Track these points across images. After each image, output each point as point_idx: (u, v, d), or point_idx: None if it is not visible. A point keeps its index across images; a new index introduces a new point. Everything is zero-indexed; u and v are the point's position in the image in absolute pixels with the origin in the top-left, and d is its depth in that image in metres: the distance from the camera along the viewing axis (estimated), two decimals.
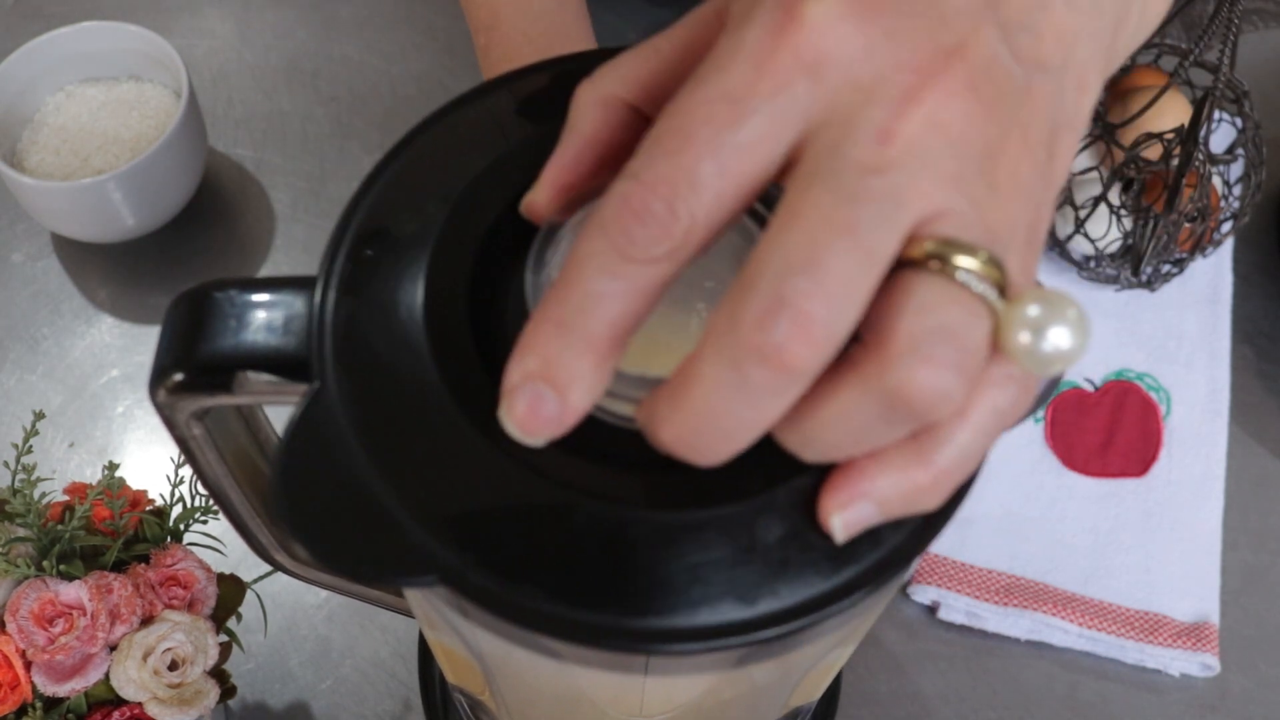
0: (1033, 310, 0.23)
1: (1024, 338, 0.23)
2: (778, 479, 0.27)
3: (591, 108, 0.27)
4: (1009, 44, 0.24)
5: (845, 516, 0.26)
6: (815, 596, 0.26)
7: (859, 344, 0.23)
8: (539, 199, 0.28)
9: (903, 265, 0.23)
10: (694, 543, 0.26)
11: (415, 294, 0.29)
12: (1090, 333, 0.23)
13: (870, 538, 0.27)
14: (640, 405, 0.25)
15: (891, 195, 0.22)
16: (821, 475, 0.26)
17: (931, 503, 0.26)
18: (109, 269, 0.79)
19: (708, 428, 0.23)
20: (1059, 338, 0.23)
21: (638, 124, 0.27)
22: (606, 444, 0.27)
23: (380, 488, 0.27)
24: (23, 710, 0.51)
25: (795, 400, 0.23)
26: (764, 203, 0.28)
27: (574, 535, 0.26)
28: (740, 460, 0.24)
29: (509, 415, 0.24)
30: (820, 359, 0.22)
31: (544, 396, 0.24)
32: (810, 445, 0.24)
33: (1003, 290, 0.23)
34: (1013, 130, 0.24)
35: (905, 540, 0.27)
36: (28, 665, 0.51)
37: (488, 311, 0.30)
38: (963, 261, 0.23)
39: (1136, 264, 0.74)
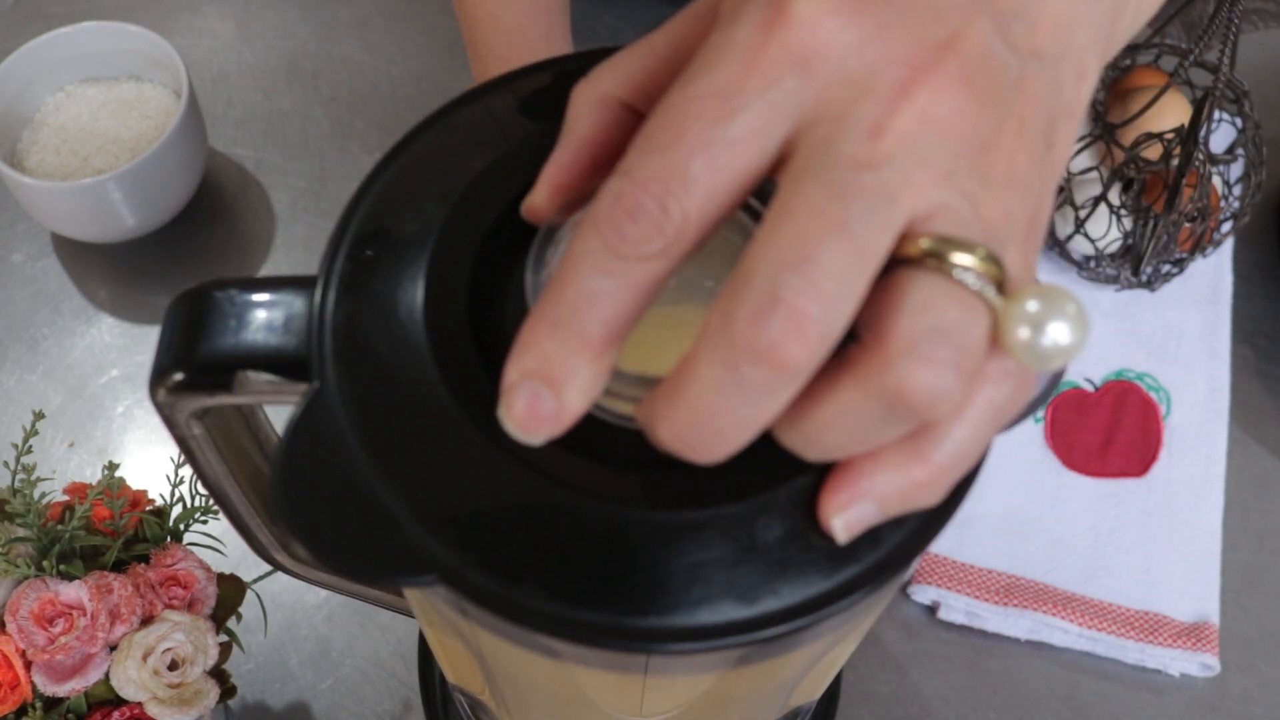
0: (1031, 306, 0.23)
1: (1023, 333, 0.23)
2: (778, 478, 0.27)
3: (587, 108, 0.27)
4: (1003, 34, 0.24)
5: (846, 517, 0.26)
6: (815, 596, 0.26)
7: (857, 343, 0.23)
8: (538, 200, 0.28)
9: (899, 263, 0.23)
10: (694, 542, 0.26)
11: (415, 294, 0.29)
12: (1089, 328, 0.23)
13: (870, 537, 0.27)
14: (639, 404, 0.25)
15: (883, 191, 0.22)
16: (821, 474, 0.26)
17: (931, 499, 0.26)
18: (109, 269, 0.79)
19: (705, 426, 0.23)
20: (1058, 333, 0.23)
21: (634, 122, 0.27)
22: (607, 443, 0.27)
23: (380, 487, 0.27)
24: (23, 710, 0.51)
25: (792, 398, 0.23)
26: (762, 199, 0.28)
27: (574, 535, 0.26)
28: (740, 460, 0.24)
29: (507, 414, 0.24)
30: (815, 356, 0.22)
31: (541, 395, 0.24)
32: (811, 445, 0.24)
33: (1001, 286, 0.23)
34: (1008, 122, 0.24)
35: (905, 539, 0.27)
36: (28, 665, 0.51)
37: (488, 311, 0.30)
38: (959, 259, 0.23)
39: (1136, 264, 0.74)
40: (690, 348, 0.23)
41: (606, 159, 0.27)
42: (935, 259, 0.23)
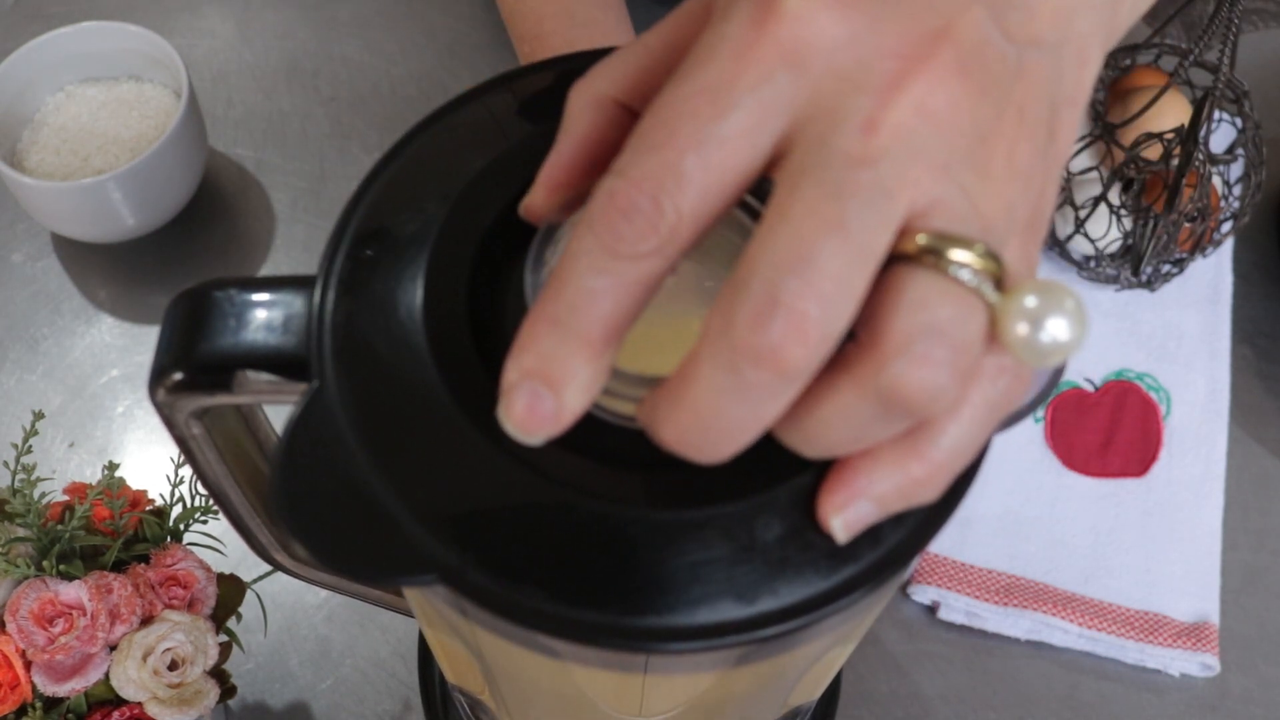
0: (1030, 301, 0.23)
1: (1021, 329, 0.23)
2: (777, 478, 0.27)
3: (583, 108, 0.27)
4: (999, 23, 0.24)
5: (845, 516, 0.26)
6: (815, 595, 0.26)
7: (853, 343, 0.23)
8: (536, 201, 0.28)
9: (896, 260, 0.23)
10: (694, 542, 0.26)
11: (415, 293, 0.29)
12: (1088, 323, 0.23)
13: (870, 536, 0.27)
14: (641, 404, 0.25)
15: (881, 187, 0.22)
16: (821, 473, 0.26)
17: (930, 495, 0.26)
18: (109, 269, 0.79)
19: (708, 427, 0.23)
20: (1057, 328, 0.23)
21: (630, 122, 0.27)
22: (606, 443, 0.27)
23: (380, 487, 0.27)
24: (23, 710, 0.51)
25: (794, 398, 0.23)
26: (761, 198, 0.28)
27: (574, 534, 0.26)
28: (740, 459, 0.24)
29: (507, 414, 0.24)
30: (816, 358, 0.22)
31: (541, 395, 0.24)
32: (810, 443, 0.24)
33: (999, 281, 0.23)
34: (1007, 111, 0.24)
35: (905, 538, 0.27)
36: (28, 665, 0.51)
37: (487, 311, 0.30)
38: (957, 255, 0.22)
39: (1136, 264, 0.74)
40: (691, 349, 0.23)
41: (603, 158, 0.27)
42: (932, 256, 0.22)
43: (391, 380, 0.28)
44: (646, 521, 0.26)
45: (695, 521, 0.26)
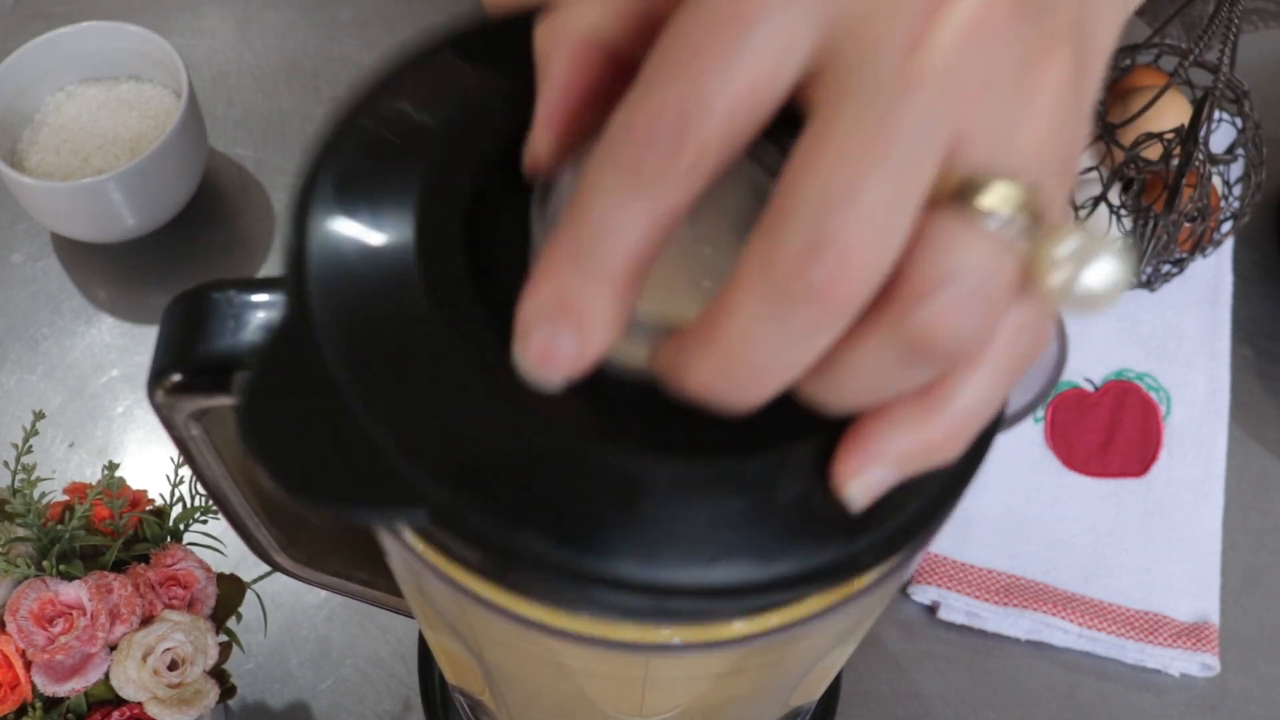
0: (1069, 246, 0.21)
1: (1059, 276, 0.21)
2: (793, 436, 0.25)
3: (557, 49, 0.24)
4: None
5: (862, 480, 0.25)
6: (832, 562, 0.25)
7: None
8: (538, 148, 0.26)
9: (930, 199, 0.21)
10: (707, 496, 0.25)
11: (406, 214, 0.27)
12: (1130, 271, 0.22)
13: (888, 504, 0.25)
14: (660, 350, 0.23)
15: (928, 113, 0.21)
16: (837, 435, 0.25)
17: (948, 455, 0.24)
18: (109, 269, 0.79)
19: (743, 371, 0.22)
20: (1096, 275, 0.21)
21: (606, 58, 0.24)
22: (613, 390, 0.25)
23: (365, 415, 0.24)
24: (23, 710, 0.51)
25: (836, 338, 0.22)
26: (768, 174, 0.27)
27: (579, 479, 0.25)
28: (752, 420, 0.23)
29: (524, 355, 0.23)
30: (866, 294, 0.21)
31: (560, 334, 0.22)
32: (833, 394, 0.23)
33: (1037, 225, 0.21)
34: (1049, 38, 0.22)
35: (926, 505, 0.26)
36: (28, 665, 0.51)
37: (483, 228, 0.27)
38: (992, 195, 0.21)
39: (1136, 264, 0.74)
40: (725, 289, 0.22)
41: (592, 92, 0.25)
42: (969, 192, 0.21)
43: (378, 303, 0.26)
44: (654, 470, 0.25)
45: (709, 476, 0.25)
